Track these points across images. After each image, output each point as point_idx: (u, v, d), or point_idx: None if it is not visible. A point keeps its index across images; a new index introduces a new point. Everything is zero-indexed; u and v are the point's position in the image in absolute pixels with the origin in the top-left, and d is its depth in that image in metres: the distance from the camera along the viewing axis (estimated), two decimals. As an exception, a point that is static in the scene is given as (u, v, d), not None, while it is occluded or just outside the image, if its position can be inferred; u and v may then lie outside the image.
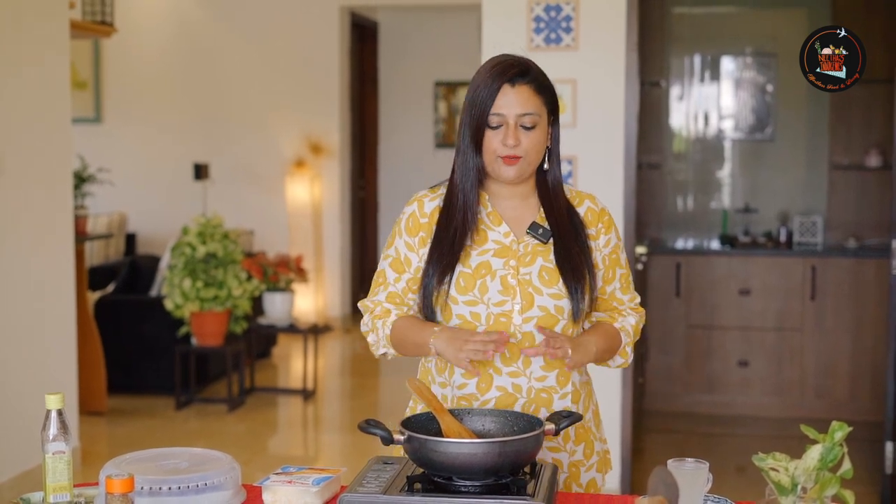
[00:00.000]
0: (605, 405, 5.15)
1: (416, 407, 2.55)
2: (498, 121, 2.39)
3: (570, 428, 2.48)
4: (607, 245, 2.54)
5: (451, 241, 2.44)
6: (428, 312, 2.47)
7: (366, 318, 2.54)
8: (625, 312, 2.58)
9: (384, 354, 2.53)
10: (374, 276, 2.56)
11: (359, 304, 2.59)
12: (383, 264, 2.54)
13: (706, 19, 7.60)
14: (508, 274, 2.43)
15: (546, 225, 2.48)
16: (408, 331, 2.46)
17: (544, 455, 2.47)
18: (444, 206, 2.49)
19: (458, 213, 2.45)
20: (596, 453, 2.58)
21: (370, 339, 2.53)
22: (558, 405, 2.46)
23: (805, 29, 7.33)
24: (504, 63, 2.43)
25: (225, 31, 10.01)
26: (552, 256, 2.45)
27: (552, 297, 2.43)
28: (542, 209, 2.50)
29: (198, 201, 9.68)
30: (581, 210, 2.53)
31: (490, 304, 2.42)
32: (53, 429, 2.06)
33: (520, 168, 2.42)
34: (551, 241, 2.46)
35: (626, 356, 2.57)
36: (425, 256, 2.47)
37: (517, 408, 2.41)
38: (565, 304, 2.43)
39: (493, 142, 2.40)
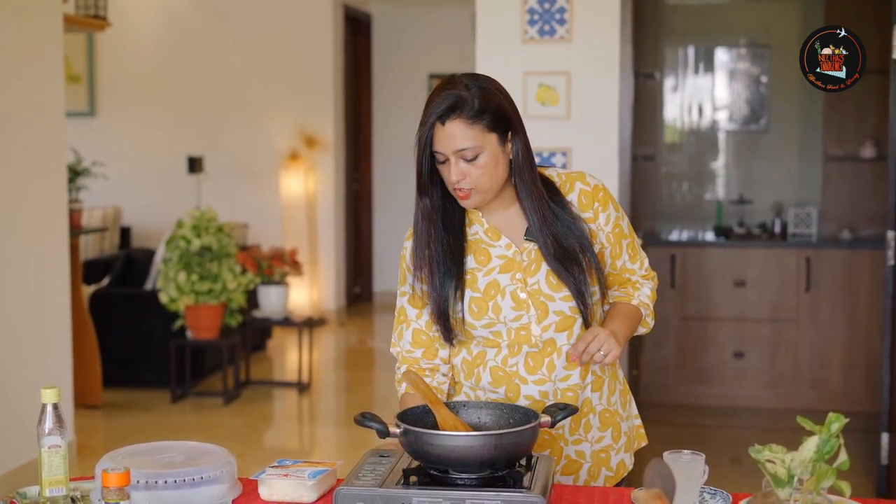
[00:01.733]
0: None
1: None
2: (441, 157, 2.36)
3: (593, 416, 2.50)
4: (608, 222, 2.50)
5: (448, 266, 2.43)
6: (447, 337, 2.47)
7: (397, 371, 2.57)
8: (638, 284, 2.59)
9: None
10: (396, 314, 2.56)
11: (391, 351, 2.59)
12: (401, 301, 2.54)
13: (700, 11, 7.59)
14: (518, 288, 2.42)
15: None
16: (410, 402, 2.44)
17: (567, 449, 2.48)
18: (417, 239, 2.46)
19: (439, 242, 2.43)
20: (624, 434, 2.59)
21: (400, 391, 2.56)
22: (583, 398, 2.47)
23: (799, 20, 7.33)
24: (435, 99, 2.36)
25: (219, 24, 9.99)
26: (551, 264, 2.43)
27: (564, 300, 2.42)
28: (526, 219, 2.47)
29: (192, 195, 9.66)
30: (573, 195, 2.48)
31: (507, 321, 2.42)
32: (49, 423, 2.06)
33: (475, 198, 2.39)
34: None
35: (647, 326, 2.62)
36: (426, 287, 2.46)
37: None
38: (578, 303, 2.43)
39: (445, 174, 2.38)
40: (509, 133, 2.39)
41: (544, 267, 2.43)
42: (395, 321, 2.57)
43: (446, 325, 2.45)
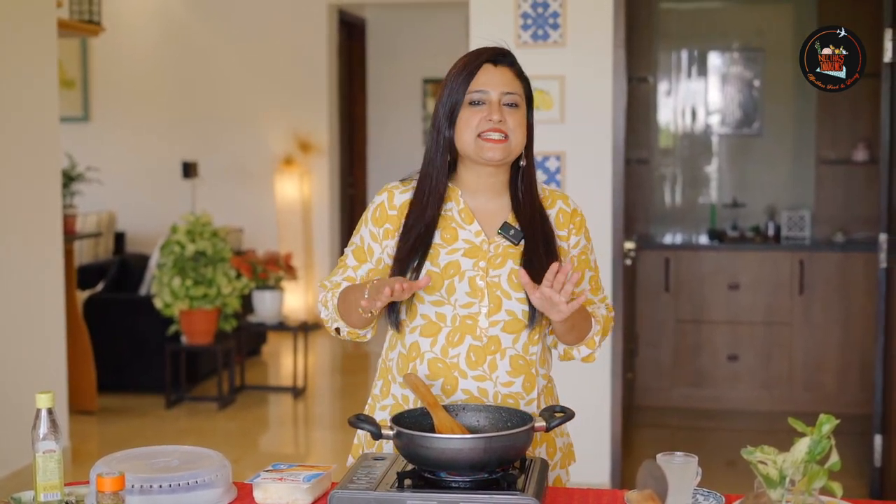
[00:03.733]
0: (593, 400, 5.18)
1: (375, 405, 2.52)
2: (480, 97, 2.36)
3: None
4: (576, 246, 2.50)
5: (419, 237, 2.40)
6: (394, 314, 2.43)
7: (320, 296, 2.49)
8: (595, 303, 2.53)
9: (337, 330, 2.47)
10: (339, 260, 2.52)
11: (318, 284, 2.56)
12: (347, 250, 2.50)
13: (693, 15, 7.61)
14: (477, 275, 2.39)
15: (518, 226, 2.43)
16: (350, 293, 2.39)
17: None
18: (413, 200, 2.45)
19: (427, 208, 2.42)
20: (559, 450, 2.53)
21: (323, 314, 2.47)
22: (531, 410, 2.42)
23: (792, 24, 7.35)
24: (485, 47, 2.43)
25: (213, 29, 9.99)
26: (523, 260, 2.40)
27: (520, 301, 2.38)
28: (513, 210, 2.46)
29: (187, 199, 9.66)
30: (553, 211, 2.48)
31: (457, 305, 2.38)
32: (44, 428, 2.06)
33: (504, 150, 2.37)
34: (522, 242, 2.42)
35: (593, 346, 2.49)
36: (389, 250, 2.44)
37: None
38: (532, 309, 2.39)
39: (474, 119, 2.36)
40: (530, 112, 2.44)
41: (510, 264, 2.40)
42: (335, 267, 2.52)
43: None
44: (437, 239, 2.41)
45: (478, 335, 2.38)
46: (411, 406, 2.42)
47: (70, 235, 6.45)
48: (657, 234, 7.40)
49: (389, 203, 2.47)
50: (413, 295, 2.37)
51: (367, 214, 2.49)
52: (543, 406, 2.45)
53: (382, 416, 2.47)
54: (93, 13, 6.48)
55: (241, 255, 7.45)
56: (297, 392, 7.41)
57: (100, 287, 7.88)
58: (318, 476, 2.23)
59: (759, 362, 6.86)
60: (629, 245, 5.67)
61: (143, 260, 8.06)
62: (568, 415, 2.26)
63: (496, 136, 2.35)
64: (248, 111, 10.00)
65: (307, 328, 7.46)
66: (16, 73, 5.26)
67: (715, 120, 7.49)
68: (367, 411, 2.54)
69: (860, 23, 6.72)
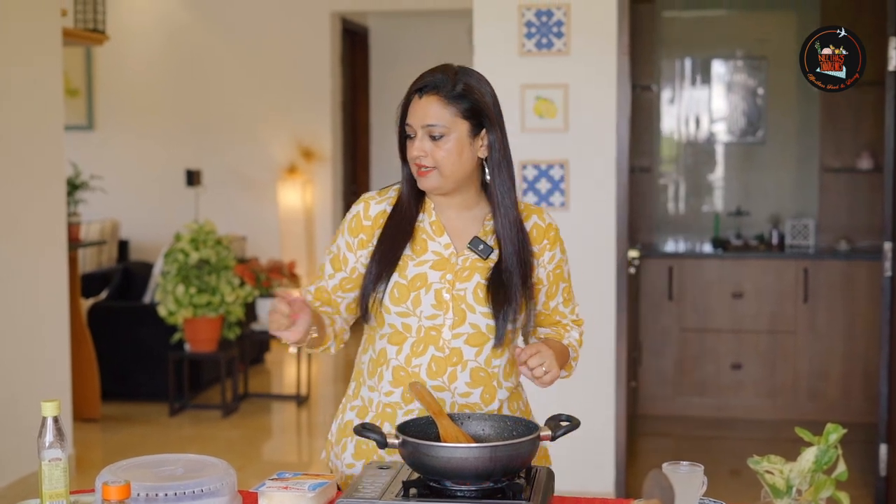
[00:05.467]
0: (598, 409, 5.17)
1: (347, 405, 2.55)
2: (409, 130, 2.41)
3: None
4: (552, 261, 2.52)
5: (391, 248, 2.43)
6: (365, 317, 2.48)
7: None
8: (568, 327, 2.58)
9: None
10: (318, 267, 2.56)
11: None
12: (325, 259, 2.53)
13: (696, 23, 7.62)
14: (444, 288, 2.42)
15: (488, 240, 2.46)
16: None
17: None
18: (392, 211, 2.48)
19: (401, 220, 2.46)
20: None
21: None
22: None
23: (795, 32, 7.35)
24: (423, 75, 2.44)
25: (216, 38, 10.01)
26: (490, 275, 2.43)
27: (485, 315, 2.41)
28: (485, 223, 2.48)
29: (190, 208, 9.67)
30: (527, 225, 2.50)
31: (422, 316, 2.41)
32: (49, 436, 2.06)
33: (434, 179, 2.40)
34: (491, 257, 2.44)
35: (570, 370, 2.57)
36: (363, 259, 2.47)
37: None
38: (498, 324, 2.41)
39: (410, 151, 2.42)
40: (483, 128, 2.43)
41: (477, 278, 2.43)
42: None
43: (365, 301, 2.44)
44: (407, 250, 2.44)
45: (440, 346, 2.42)
46: (374, 410, 2.47)
47: (74, 243, 6.46)
48: (661, 243, 7.40)
49: (365, 213, 2.50)
50: (381, 305, 2.43)
51: (344, 224, 2.52)
52: (508, 412, 2.50)
53: (351, 416, 2.53)
54: (97, 22, 6.49)
55: (244, 263, 7.45)
56: (300, 400, 7.41)
57: (104, 295, 7.89)
58: (324, 485, 2.23)
59: (763, 371, 6.85)
60: (633, 253, 5.68)
61: (146, 268, 8.07)
62: (573, 424, 2.26)
63: (421, 169, 2.41)
64: (251, 119, 10.01)
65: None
66: (21, 81, 5.27)
67: (718, 128, 7.49)
68: (339, 411, 2.59)
69: (864, 31, 6.72)
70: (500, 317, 2.41)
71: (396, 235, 2.44)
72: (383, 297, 2.42)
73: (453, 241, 2.46)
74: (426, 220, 2.48)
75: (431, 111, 2.38)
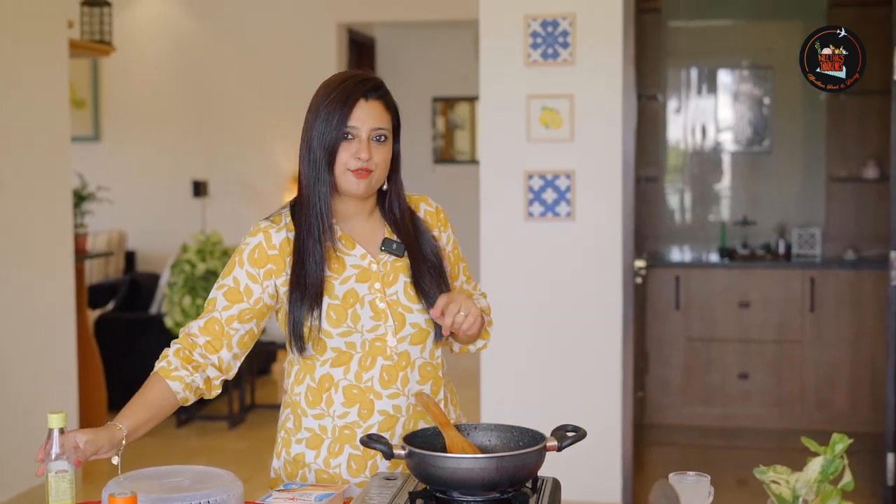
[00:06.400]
0: (604, 419, 5.17)
1: (290, 439, 2.53)
2: (352, 133, 2.39)
3: None
4: (448, 242, 2.59)
5: (313, 273, 2.40)
6: (299, 347, 2.43)
7: (171, 344, 2.49)
8: (475, 297, 2.61)
9: None
10: (205, 303, 2.49)
11: (179, 331, 2.55)
12: (216, 293, 2.46)
13: (702, 32, 7.62)
14: (376, 297, 2.42)
15: (396, 238, 2.49)
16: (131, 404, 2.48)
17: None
18: (296, 238, 2.43)
19: (315, 244, 2.41)
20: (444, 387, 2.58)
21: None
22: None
23: (801, 41, 7.32)
24: (355, 77, 2.44)
25: (223, 49, 10.03)
26: (412, 272, 2.46)
27: (420, 312, 2.45)
28: (387, 224, 2.51)
29: (197, 218, 9.68)
30: (419, 215, 2.56)
31: (364, 331, 2.41)
32: (56, 448, 2.07)
33: (369, 182, 2.41)
34: (405, 255, 2.48)
35: (486, 337, 2.58)
36: (270, 290, 2.43)
37: (399, 428, 2.42)
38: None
39: (344, 155, 2.39)
40: (397, 140, 2.49)
41: (402, 278, 2.45)
42: (203, 310, 2.49)
43: (299, 334, 2.41)
44: (326, 272, 2.42)
45: (388, 355, 2.43)
46: (329, 436, 2.45)
47: (81, 255, 6.47)
48: (667, 253, 7.40)
49: (268, 243, 2.44)
50: (319, 331, 2.40)
51: (243, 256, 2.45)
52: (450, 404, 2.55)
53: (299, 448, 2.49)
54: (103, 33, 6.51)
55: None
56: (307, 411, 7.40)
57: (110, 306, 7.89)
58: (330, 496, 2.23)
59: (770, 380, 6.84)
60: (639, 263, 5.67)
61: (153, 279, 8.08)
62: (580, 434, 2.26)
63: (362, 173, 2.40)
64: (257, 130, 10.02)
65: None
66: (27, 93, 5.29)
67: (725, 137, 7.49)
68: (281, 445, 2.55)
69: (868, 41, 6.73)
70: (433, 303, 2.42)
71: (312, 259, 2.40)
72: (320, 322, 2.40)
73: (367, 250, 2.47)
74: (334, 237, 2.45)
75: (379, 116, 2.41)
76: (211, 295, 2.47)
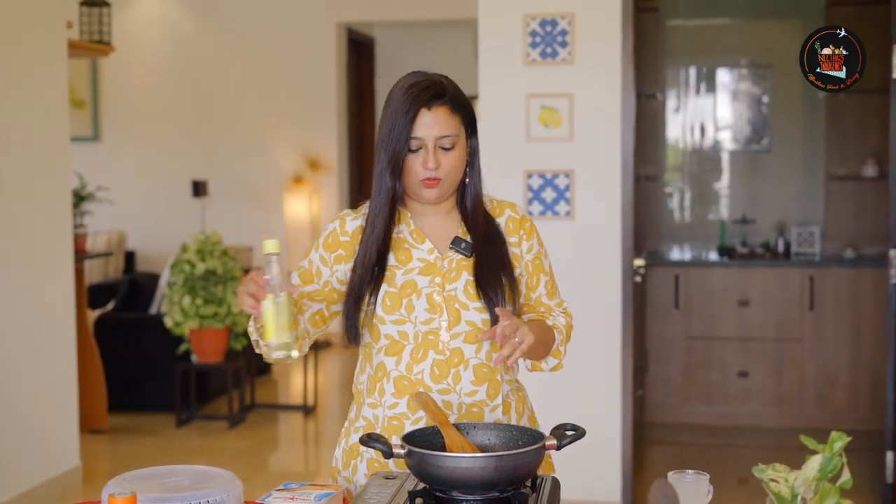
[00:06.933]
0: (604, 418, 5.17)
1: (350, 428, 2.55)
2: (417, 144, 2.39)
3: None
4: (529, 251, 2.55)
5: (372, 262, 2.44)
6: (353, 333, 2.47)
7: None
8: (553, 313, 2.58)
9: (257, 342, 2.41)
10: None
11: None
12: (294, 273, 2.54)
13: (701, 31, 7.62)
14: (434, 291, 2.43)
15: (469, 238, 2.48)
16: None
17: None
18: (365, 228, 2.48)
19: (375, 236, 2.45)
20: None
21: (253, 337, 2.45)
22: (489, 418, 2.45)
23: (800, 40, 7.31)
24: (418, 85, 2.41)
25: (222, 48, 10.03)
26: (476, 270, 2.46)
27: (478, 311, 2.43)
28: (462, 223, 2.51)
29: (196, 218, 9.69)
30: (502, 220, 2.54)
31: (417, 322, 2.42)
32: (275, 272, 2.18)
33: (440, 190, 2.42)
34: (474, 254, 2.47)
35: (559, 356, 2.54)
36: (339, 274, 2.48)
37: None
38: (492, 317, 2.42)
39: (414, 165, 2.40)
40: (471, 132, 2.48)
41: (465, 276, 2.45)
42: None
43: (355, 317, 2.44)
44: (391, 261, 2.46)
45: (440, 349, 2.43)
46: (379, 426, 2.47)
47: (80, 255, 6.47)
48: (666, 251, 7.40)
49: (342, 230, 2.53)
50: (374, 316, 2.44)
51: (319, 241, 2.54)
52: (512, 412, 2.50)
53: (355, 437, 2.52)
54: (103, 33, 6.51)
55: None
56: (307, 410, 7.41)
57: (110, 306, 7.90)
58: (330, 495, 2.23)
59: (769, 379, 6.84)
60: (639, 262, 5.67)
61: (153, 279, 8.08)
62: (579, 433, 2.26)
63: (430, 182, 2.41)
64: (257, 130, 10.03)
65: (317, 346, 7.45)
66: (26, 93, 5.29)
67: (724, 136, 7.49)
68: (342, 436, 2.59)
69: (868, 39, 6.73)
70: (494, 309, 2.41)
71: (378, 247, 2.44)
72: (375, 307, 2.43)
73: (436, 246, 2.48)
74: (406, 231, 2.49)
75: (444, 122, 2.39)
76: (291, 274, 2.54)
